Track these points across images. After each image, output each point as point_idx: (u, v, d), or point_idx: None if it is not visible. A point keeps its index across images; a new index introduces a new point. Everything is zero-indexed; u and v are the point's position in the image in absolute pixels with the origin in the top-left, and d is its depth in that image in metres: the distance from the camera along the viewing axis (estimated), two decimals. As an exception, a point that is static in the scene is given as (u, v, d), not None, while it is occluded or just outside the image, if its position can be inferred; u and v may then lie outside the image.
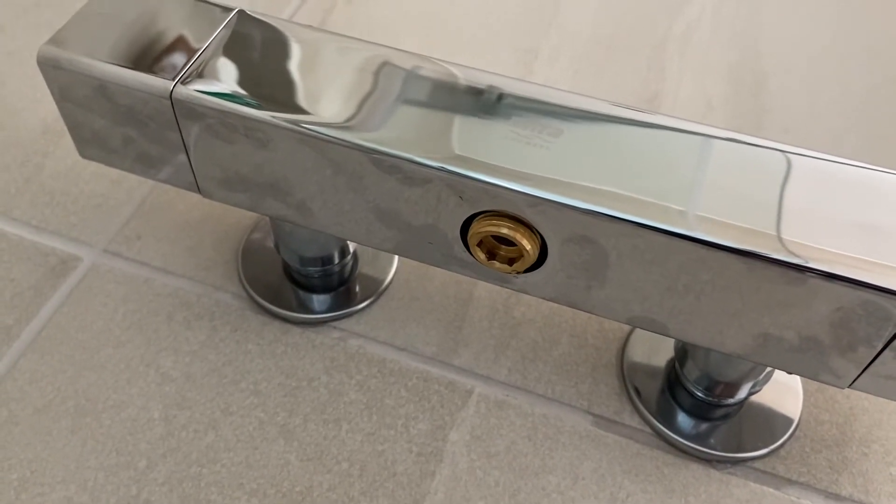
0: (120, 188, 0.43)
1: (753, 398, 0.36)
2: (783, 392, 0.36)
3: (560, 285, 0.30)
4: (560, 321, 0.38)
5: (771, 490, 0.33)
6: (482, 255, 0.29)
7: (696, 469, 0.34)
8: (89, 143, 0.34)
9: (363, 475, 0.33)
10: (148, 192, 0.43)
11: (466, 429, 0.35)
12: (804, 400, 0.36)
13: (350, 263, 0.40)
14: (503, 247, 0.30)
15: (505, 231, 0.28)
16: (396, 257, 0.41)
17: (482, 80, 0.29)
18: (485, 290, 0.39)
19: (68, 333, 0.37)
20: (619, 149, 0.28)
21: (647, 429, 0.35)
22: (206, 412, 0.35)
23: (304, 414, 0.35)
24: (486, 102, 0.29)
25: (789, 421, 0.35)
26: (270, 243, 0.41)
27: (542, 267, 0.29)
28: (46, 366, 0.36)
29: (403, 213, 0.30)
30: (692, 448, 0.34)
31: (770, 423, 0.35)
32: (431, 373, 0.36)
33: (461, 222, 0.29)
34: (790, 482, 0.34)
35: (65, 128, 0.45)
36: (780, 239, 0.25)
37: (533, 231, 0.28)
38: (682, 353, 0.35)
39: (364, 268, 0.40)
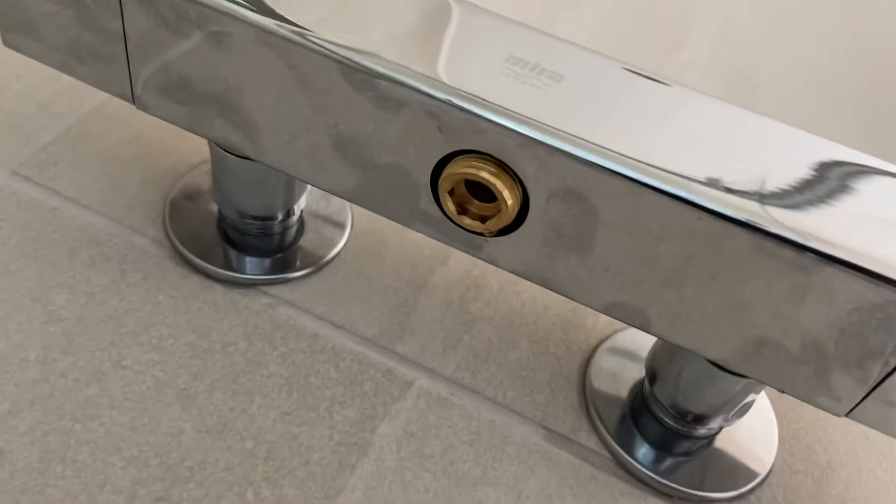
0: (45, 112, 0.38)
1: (725, 437, 0.32)
2: (757, 435, 0.32)
3: (535, 256, 0.26)
4: (521, 323, 0.34)
5: (736, 538, 0.29)
6: (452, 207, 0.25)
7: (655, 502, 0.30)
8: (15, 26, 0.29)
9: (270, 458, 0.28)
10: (77, 119, 0.38)
11: (400, 423, 0.30)
12: (779, 446, 0.32)
13: (294, 227, 0.35)
14: (476, 202, 0.26)
15: (485, 175, 0.24)
16: (347, 230, 0.36)
17: (479, 14, 0.26)
18: (441, 279, 0.35)
19: (-54, 252, 0.31)
20: (626, 106, 0.24)
21: (605, 452, 0.31)
22: (93, 361, 0.29)
23: (210, 380, 0.30)
24: (484, 35, 0.25)
25: (762, 465, 0.31)
26: (206, 193, 0.36)
27: (519, 229, 0.25)
28: None
29: (369, 144, 0.25)
30: (652, 479, 0.30)
31: (740, 466, 0.31)
32: (369, 357, 0.32)
33: (435, 163, 0.25)
34: (758, 533, 0.30)
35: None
36: (799, 221, 0.22)
37: (516, 181, 0.24)
38: (653, 371, 0.31)
39: (310, 234, 0.35)
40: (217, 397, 0.29)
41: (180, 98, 0.27)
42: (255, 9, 0.24)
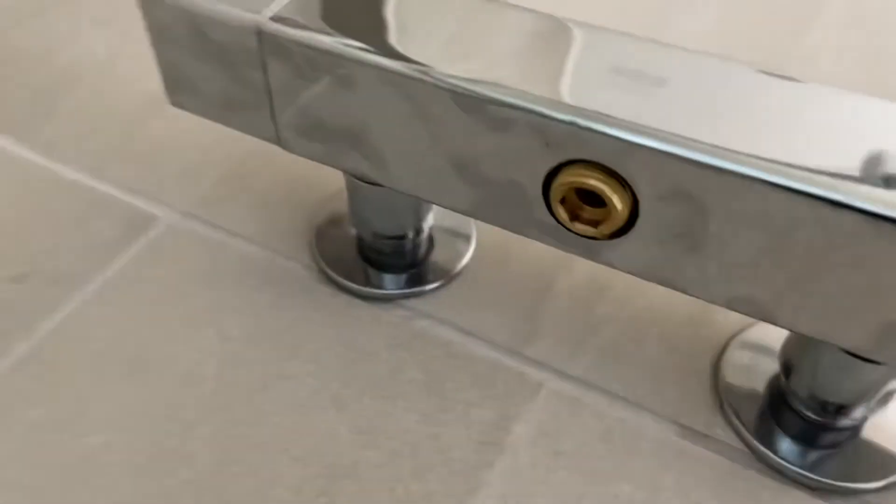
0: (208, 158, 0.43)
1: (874, 425, 0.31)
2: (909, 424, 0.31)
3: (650, 256, 0.26)
4: (648, 322, 0.35)
5: (890, 533, 0.28)
6: (564, 215, 0.27)
7: (799, 496, 0.29)
8: (179, 88, 0.34)
9: (415, 456, 0.30)
10: (235, 163, 0.43)
11: (533, 423, 0.31)
12: (936, 436, 0.31)
13: (424, 243, 0.38)
14: (588, 208, 0.27)
15: (593, 182, 0.25)
16: (473, 242, 0.38)
17: (579, 29, 0.27)
18: (566, 283, 0.36)
19: (135, 286, 0.37)
20: (733, 104, 0.25)
21: (743, 447, 0.31)
22: (260, 374, 0.33)
23: (359, 387, 0.33)
24: (587, 48, 0.27)
25: (916, 456, 0.30)
26: (346, 219, 0.39)
27: (632, 232, 0.26)
28: (109, 315, 0.36)
29: (484, 163, 0.27)
30: (796, 472, 0.30)
31: (890, 453, 0.30)
32: (500, 361, 0.33)
33: (544, 175, 0.26)
34: (915, 527, 0.28)
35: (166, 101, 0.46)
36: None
37: (624, 185, 0.25)
38: (788, 364, 0.31)
39: (439, 249, 0.38)
40: (365, 402, 0.32)
41: (317, 137, 0.31)
42: (377, 52, 0.27)
